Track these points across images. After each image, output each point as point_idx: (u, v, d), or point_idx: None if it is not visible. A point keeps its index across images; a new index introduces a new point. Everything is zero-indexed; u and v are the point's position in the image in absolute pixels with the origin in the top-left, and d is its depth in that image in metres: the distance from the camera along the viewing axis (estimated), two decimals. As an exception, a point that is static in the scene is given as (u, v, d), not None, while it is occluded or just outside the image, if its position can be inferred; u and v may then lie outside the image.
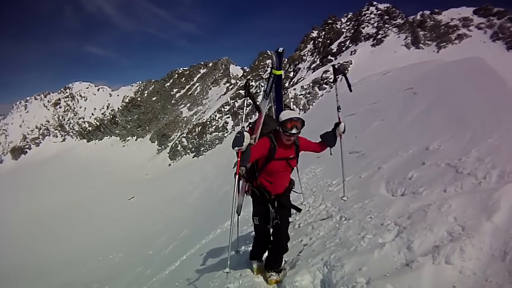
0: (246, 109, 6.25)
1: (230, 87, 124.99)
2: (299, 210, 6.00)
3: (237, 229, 7.22)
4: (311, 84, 55.36)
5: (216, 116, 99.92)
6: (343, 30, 79.12)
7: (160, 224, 37.25)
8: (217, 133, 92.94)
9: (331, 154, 6.26)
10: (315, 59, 78.86)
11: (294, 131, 5.09)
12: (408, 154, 8.87)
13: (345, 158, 5.94)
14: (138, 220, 43.97)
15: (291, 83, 72.69)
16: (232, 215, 5.68)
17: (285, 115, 5.19)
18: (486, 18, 62.67)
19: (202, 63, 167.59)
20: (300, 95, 54.15)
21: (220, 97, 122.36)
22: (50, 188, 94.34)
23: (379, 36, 67.56)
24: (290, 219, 6.67)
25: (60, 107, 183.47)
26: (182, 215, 36.96)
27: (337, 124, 6.15)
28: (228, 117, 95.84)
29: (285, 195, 5.73)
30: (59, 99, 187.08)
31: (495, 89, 12.78)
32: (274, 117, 6.15)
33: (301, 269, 5.25)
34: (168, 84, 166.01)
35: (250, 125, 6.01)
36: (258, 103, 5.97)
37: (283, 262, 5.87)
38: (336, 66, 7.42)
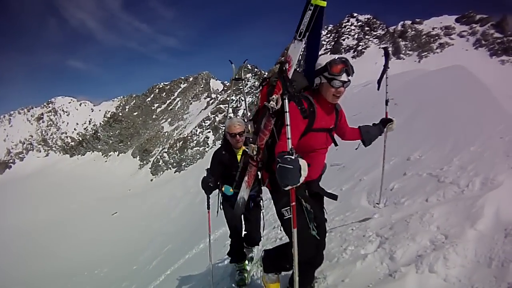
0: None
1: (211, 102, 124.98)
2: (335, 197, 4.24)
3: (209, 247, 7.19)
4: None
5: (197, 131, 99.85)
6: (323, 42, 79.66)
7: (144, 239, 37.10)
8: (198, 148, 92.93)
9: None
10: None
11: (345, 77, 3.63)
12: (390, 165, 8.87)
13: (327, 170, 5.70)
14: (122, 235, 43.80)
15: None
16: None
17: (326, 58, 3.71)
18: (468, 26, 63.59)
19: (182, 77, 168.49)
20: None
21: (200, 112, 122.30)
22: (34, 202, 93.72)
23: (360, 48, 68.52)
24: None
25: (43, 122, 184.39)
26: (166, 230, 37.00)
27: (385, 121, 5.24)
28: (209, 132, 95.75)
29: (317, 181, 4.26)
30: (42, 114, 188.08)
31: (476, 97, 12.92)
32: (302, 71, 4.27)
33: (283, 281, 5.08)
34: (149, 99, 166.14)
35: (267, 81, 4.16)
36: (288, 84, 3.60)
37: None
38: (388, 50, 6.66)
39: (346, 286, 4.26)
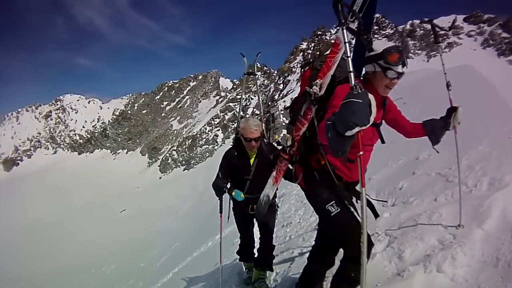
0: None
1: (220, 100, 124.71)
2: (376, 214, 3.78)
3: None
4: (286, 113, 55.35)
5: (206, 129, 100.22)
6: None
7: (152, 236, 37.15)
8: (207, 146, 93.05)
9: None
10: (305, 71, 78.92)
11: (400, 68, 3.24)
12: (398, 164, 8.92)
13: None
14: (130, 232, 43.70)
15: (281, 95, 72.79)
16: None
17: (381, 43, 3.29)
18: (476, 26, 63.16)
19: (191, 75, 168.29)
20: (288, 108, 52.73)
21: (210, 110, 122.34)
22: (41, 200, 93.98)
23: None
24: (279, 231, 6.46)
25: (51, 119, 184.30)
26: (173, 228, 36.93)
27: (451, 110, 4.26)
28: (218, 130, 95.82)
29: (355, 185, 3.68)
30: (50, 111, 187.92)
31: (484, 97, 12.84)
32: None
33: (293, 281, 5.20)
34: (158, 97, 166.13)
35: (310, 65, 3.83)
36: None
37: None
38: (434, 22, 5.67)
39: None
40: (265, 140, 5.56)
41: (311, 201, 3.85)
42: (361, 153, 2.68)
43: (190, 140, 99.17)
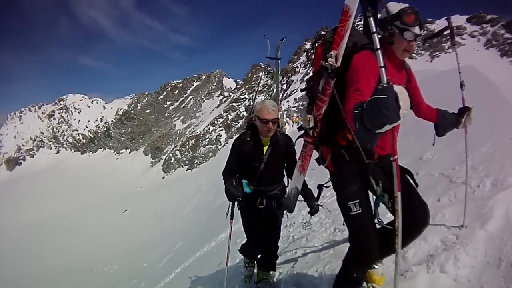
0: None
1: (223, 100, 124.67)
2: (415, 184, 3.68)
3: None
4: (304, 96, 55.30)
5: (209, 129, 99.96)
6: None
7: (154, 236, 37.12)
8: (210, 146, 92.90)
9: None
10: (308, 71, 78.69)
11: (417, 29, 3.16)
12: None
13: None
14: (132, 232, 43.73)
15: (284, 95, 72.73)
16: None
17: (396, 4, 3.22)
18: (479, 26, 63.09)
19: (195, 75, 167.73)
20: (293, 107, 54.24)
21: (213, 110, 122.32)
22: (44, 199, 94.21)
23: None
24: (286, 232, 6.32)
25: (54, 119, 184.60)
26: (176, 228, 36.83)
27: (463, 110, 4.17)
28: (222, 130, 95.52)
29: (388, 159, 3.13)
30: (53, 111, 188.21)
31: (487, 97, 12.85)
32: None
33: (296, 281, 5.24)
34: (162, 96, 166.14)
35: (321, 40, 3.70)
36: None
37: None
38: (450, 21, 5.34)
39: None
40: (280, 130, 5.17)
41: (336, 188, 3.65)
42: (395, 157, 2.79)
43: (193, 140, 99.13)
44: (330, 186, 3.92)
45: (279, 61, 5.90)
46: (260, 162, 4.98)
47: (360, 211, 3.32)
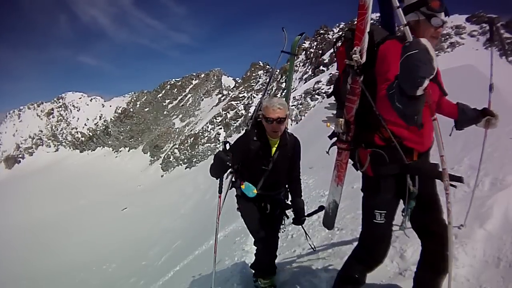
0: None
1: (222, 98, 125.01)
2: (460, 179, 3.11)
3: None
4: (303, 95, 55.41)
5: (208, 127, 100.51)
6: (335, 40, 79.15)
7: (153, 235, 37.22)
8: (209, 144, 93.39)
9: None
10: (307, 70, 79.03)
11: (443, 16, 2.96)
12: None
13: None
14: (131, 231, 43.84)
15: (283, 94, 72.78)
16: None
17: None
18: (478, 26, 62.94)
19: (194, 74, 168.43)
20: (292, 105, 53.55)
21: (212, 108, 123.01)
22: (43, 198, 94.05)
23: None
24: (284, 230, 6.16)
25: (53, 117, 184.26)
26: (175, 226, 36.95)
27: (485, 112, 3.85)
28: (220, 128, 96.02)
29: (428, 156, 3.35)
30: (52, 109, 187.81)
31: (486, 97, 12.90)
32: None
33: (294, 279, 5.22)
34: (161, 95, 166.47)
35: (342, 38, 3.51)
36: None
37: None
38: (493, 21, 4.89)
39: None
40: (288, 131, 4.73)
41: (367, 192, 3.39)
42: (435, 116, 2.74)
43: (192, 139, 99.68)
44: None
45: (295, 57, 5.52)
46: (267, 164, 4.54)
47: (383, 222, 3.18)
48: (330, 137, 3.67)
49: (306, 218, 4.94)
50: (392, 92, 2.35)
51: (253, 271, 5.34)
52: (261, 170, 4.54)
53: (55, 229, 58.54)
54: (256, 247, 4.97)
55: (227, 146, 4.46)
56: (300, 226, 5.02)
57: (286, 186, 4.99)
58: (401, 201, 3.24)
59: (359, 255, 3.43)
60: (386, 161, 3.05)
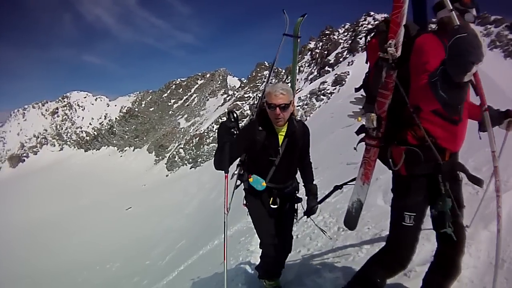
0: None
1: (228, 98, 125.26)
2: (480, 182, 3.26)
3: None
4: (308, 95, 55.14)
5: (213, 127, 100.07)
6: (341, 41, 78.53)
7: (157, 234, 37.20)
8: (214, 144, 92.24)
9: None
10: (313, 70, 78.58)
11: (475, 12, 3.05)
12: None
13: (342, 169, 4.90)
14: (135, 230, 43.81)
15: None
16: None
17: None
18: (483, 27, 62.68)
19: (199, 74, 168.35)
20: (297, 106, 52.65)
21: (217, 108, 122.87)
22: (47, 196, 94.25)
23: (377, 47, 67.41)
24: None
25: (57, 116, 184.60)
26: (179, 226, 36.92)
27: (508, 115, 3.87)
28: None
29: (457, 156, 3.29)
30: (57, 108, 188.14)
31: (490, 98, 12.86)
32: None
33: (299, 280, 5.20)
34: (166, 94, 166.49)
35: (375, 31, 3.40)
36: None
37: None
38: None
39: None
40: (296, 117, 4.34)
41: (397, 193, 3.34)
42: (485, 106, 2.75)
43: (197, 138, 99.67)
44: (346, 188, 3.85)
45: (299, 40, 5.11)
46: (276, 155, 4.18)
47: (412, 224, 3.11)
48: (358, 132, 3.57)
49: (318, 206, 4.67)
50: (434, 80, 2.31)
51: (258, 272, 5.12)
52: (269, 161, 4.22)
53: (58, 228, 58.73)
54: (261, 249, 4.76)
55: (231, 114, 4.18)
56: (308, 224, 4.85)
57: (296, 178, 4.68)
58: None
59: (383, 258, 3.36)
60: (421, 160, 2.96)
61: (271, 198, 4.33)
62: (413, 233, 3.16)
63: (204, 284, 7.59)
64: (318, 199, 4.62)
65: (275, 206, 4.33)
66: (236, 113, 4.28)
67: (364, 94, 3.57)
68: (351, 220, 3.88)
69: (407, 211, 3.08)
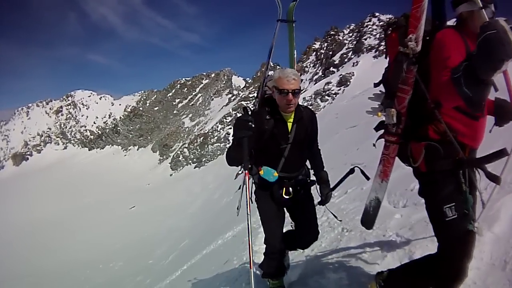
0: None
1: (232, 98, 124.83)
2: (497, 180, 3.31)
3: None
4: (313, 96, 55.29)
5: (218, 127, 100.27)
6: (345, 41, 78.49)
7: (161, 233, 37.13)
8: (218, 144, 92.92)
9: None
10: (317, 71, 78.70)
11: (494, 7, 2.90)
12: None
13: (347, 169, 4.94)
14: (139, 229, 43.79)
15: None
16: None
17: None
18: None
19: (204, 73, 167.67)
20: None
21: (222, 108, 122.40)
22: (51, 195, 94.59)
23: (381, 48, 67.19)
24: None
25: (62, 115, 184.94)
26: (183, 225, 36.72)
27: None
28: (230, 128, 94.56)
29: (475, 153, 3.26)
30: (61, 107, 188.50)
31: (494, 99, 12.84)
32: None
33: (302, 280, 5.22)
34: (170, 94, 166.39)
35: (395, 25, 3.29)
36: None
37: None
38: None
39: (365, 285, 4.15)
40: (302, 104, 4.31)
41: (426, 192, 3.28)
42: None
43: (201, 138, 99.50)
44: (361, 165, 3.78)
45: (294, 24, 4.93)
46: (286, 143, 4.08)
47: (456, 216, 2.91)
48: (377, 129, 3.55)
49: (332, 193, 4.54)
50: (458, 76, 2.31)
51: (262, 271, 4.95)
52: (279, 150, 4.10)
53: (61, 227, 58.88)
54: (265, 245, 4.64)
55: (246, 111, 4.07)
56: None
57: (306, 165, 4.59)
58: None
59: (441, 272, 3.07)
60: (441, 155, 2.92)
61: (284, 189, 4.19)
62: (462, 225, 2.94)
63: (207, 284, 7.58)
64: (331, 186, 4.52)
65: (289, 196, 4.20)
66: (250, 109, 4.22)
67: (382, 90, 3.51)
68: (368, 219, 3.92)
69: (445, 205, 2.95)
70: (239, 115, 4.17)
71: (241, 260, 7.66)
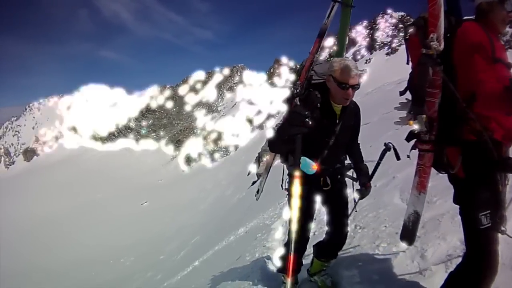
0: None
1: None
2: None
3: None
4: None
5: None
6: (358, 38, 78.42)
7: (172, 229, 37.35)
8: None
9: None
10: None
11: None
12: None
13: None
14: (150, 225, 44.02)
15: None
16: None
17: None
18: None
19: (217, 69, 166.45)
20: None
21: (235, 104, 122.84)
22: (62, 190, 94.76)
23: (394, 45, 67.06)
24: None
25: (73, 110, 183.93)
26: (195, 221, 36.86)
27: None
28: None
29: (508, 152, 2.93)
30: (73, 102, 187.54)
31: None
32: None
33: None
34: (183, 90, 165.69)
35: (415, 29, 3.15)
36: None
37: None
38: None
39: (377, 283, 4.24)
40: None
41: (462, 199, 3.03)
42: None
43: (214, 134, 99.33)
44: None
45: (351, 9, 4.76)
46: (331, 135, 3.86)
47: (490, 224, 2.75)
48: (408, 139, 3.30)
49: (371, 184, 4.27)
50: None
51: (278, 266, 4.78)
52: (323, 142, 3.87)
53: (73, 222, 59.34)
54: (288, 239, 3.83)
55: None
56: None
57: (345, 157, 4.36)
58: None
59: (472, 280, 2.92)
60: (480, 157, 2.75)
61: (322, 180, 3.97)
62: (495, 234, 2.86)
63: (219, 280, 7.53)
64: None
65: (327, 188, 4.02)
66: (300, 95, 3.94)
67: (408, 98, 3.20)
68: (408, 235, 3.64)
69: (481, 212, 2.75)
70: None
71: (254, 256, 7.65)
